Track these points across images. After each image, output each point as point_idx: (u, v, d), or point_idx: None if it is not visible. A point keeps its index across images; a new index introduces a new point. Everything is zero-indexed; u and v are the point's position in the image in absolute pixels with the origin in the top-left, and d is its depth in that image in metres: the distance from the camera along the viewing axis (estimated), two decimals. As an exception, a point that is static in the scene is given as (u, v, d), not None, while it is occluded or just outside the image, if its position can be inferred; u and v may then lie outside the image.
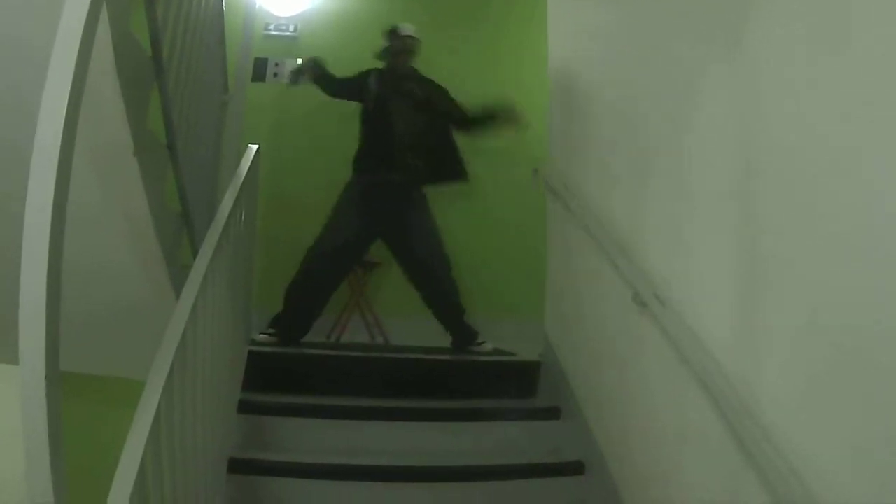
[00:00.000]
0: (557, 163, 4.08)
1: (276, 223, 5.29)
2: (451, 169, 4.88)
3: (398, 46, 4.81)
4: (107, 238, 2.43)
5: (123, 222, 2.43)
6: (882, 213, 1.67)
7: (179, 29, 2.64)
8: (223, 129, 4.15)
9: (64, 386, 1.32)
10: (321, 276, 4.49)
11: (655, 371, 2.73)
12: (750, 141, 2.23)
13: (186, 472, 2.02)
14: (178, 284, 2.58)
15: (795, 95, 2.04)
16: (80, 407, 3.56)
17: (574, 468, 3.25)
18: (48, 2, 1.51)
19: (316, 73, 4.70)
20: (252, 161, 3.33)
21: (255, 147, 3.49)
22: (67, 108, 1.32)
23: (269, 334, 4.30)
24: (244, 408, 3.19)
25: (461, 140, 4.91)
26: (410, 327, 4.91)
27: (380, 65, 4.88)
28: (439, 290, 4.67)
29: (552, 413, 3.62)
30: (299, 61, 5.86)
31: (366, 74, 4.83)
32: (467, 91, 5.75)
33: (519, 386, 4.01)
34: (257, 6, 5.67)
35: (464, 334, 4.66)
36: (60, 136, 1.30)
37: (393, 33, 4.84)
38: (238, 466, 2.88)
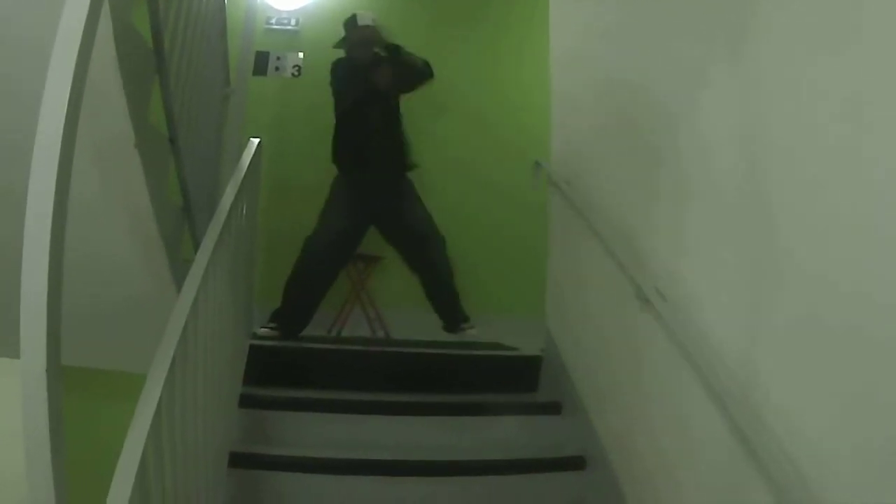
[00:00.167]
0: (559, 158, 4.07)
1: (278, 217, 5.28)
2: (401, 161, 4.89)
3: (356, 37, 4.80)
4: (108, 231, 2.43)
5: (125, 216, 2.42)
6: (884, 211, 1.67)
7: (181, 22, 2.63)
8: (225, 123, 4.14)
9: (64, 380, 1.32)
10: (317, 270, 4.53)
11: (657, 366, 2.73)
12: (753, 138, 2.23)
13: (187, 467, 2.02)
14: (179, 278, 2.57)
15: (798, 94, 2.03)
16: (80, 401, 3.56)
17: (575, 463, 3.25)
18: (50, -6, 1.50)
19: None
20: (254, 155, 3.33)
21: (256, 141, 3.49)
22: (69, 101, 1.31)
23: (270, 328, 4.32)
24: (245, 402, 3.19)
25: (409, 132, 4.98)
26: (411, 321, 4.91)
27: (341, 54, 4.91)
28: (436, 270, 4.74)
29: (553, 408, 3.62)
30: (301, 55, 5.87)
31: (335, 66, 4.87)
32: (468, 85, 5.77)
33: (520, 380, 4.02)
34: (259, 0, 5.68)
35: (455, 316, 4.73)
36: (62, 129, 1.30)
37: (351, 23, 4.83)
38: (239, 461, 2.88)
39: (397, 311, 5.39)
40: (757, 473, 2.03)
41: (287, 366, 3.86)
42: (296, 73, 5.91)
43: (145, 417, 1.63)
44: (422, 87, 4.90)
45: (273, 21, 5.99)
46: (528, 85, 5.97)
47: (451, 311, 4.74)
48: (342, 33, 4.91)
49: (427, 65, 4.83)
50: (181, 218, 2.99)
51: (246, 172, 3.07)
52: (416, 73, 4.82)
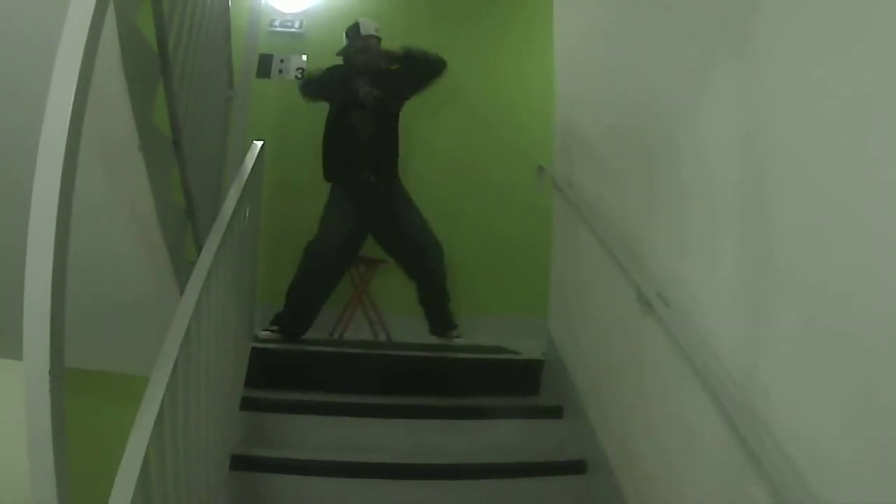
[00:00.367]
0: (563, 161, 4.07)
1: (280, 219, 5.29)
2: (388, 168, 4.91)
3: (358, 46, 4.82)
4: (111, 233, 2.43)
5: (128, 217, 2.42)
6: (886, 214, 1.67)
7: (185, 24, 2.64)
8: (228, 125, 4.15)
9: (67, 381, 1.32)
10: (319, 275, 4.56)
11: (659, 370, 2.73)
12: (756, 140, 2.23)
13: (189, 469, 2.02)
14: (182, 280, 2.58)
15: (800, 95, 2.03)
16: (83, 403, 3.56)
17: (577, 467, 3.25)
18: (55, -4, 1.50)
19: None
20: (257, 157, 3.33)
21: (260, 143, 3.49)
22: (74, 103, 1.32)
23: (272, 331, 4.33)
24: (247, 404, 3.19)
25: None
26: (413, 324, 4.92)
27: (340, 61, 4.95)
28: (432, 277, 4.77)
29: (555, 412, 3.61)
30: (304, 58, 5.87)
31: (332, 72, 4.89)
32: (470, 87, 5.77)
33: (522, 384, 4.01)
34: (263, 2, 5.69)
35: (445, 321, 4.77)
36: (66, 130, 1.30)
37: (353, 31, 4.85)
38: (241, 463, 2.88)
39: (399, 314, 5.39)
40: (758, 476, 2.03)
41: (289, 368, 3.86)
42: (299, 76, 5.90)
43: (148, 420, 1.63)
44: (437, 82, 4.92)
45: (277, 23, 5.99)
46: (530, 86, 5.97)
47: (441, 316, 4.79)
48: (345, 38, 4.93)
49: (439, 59, 4.88)
50: (184, 220, 2.99)
51: (249, 175, 3.07)
52: (429, 70, 4.87)
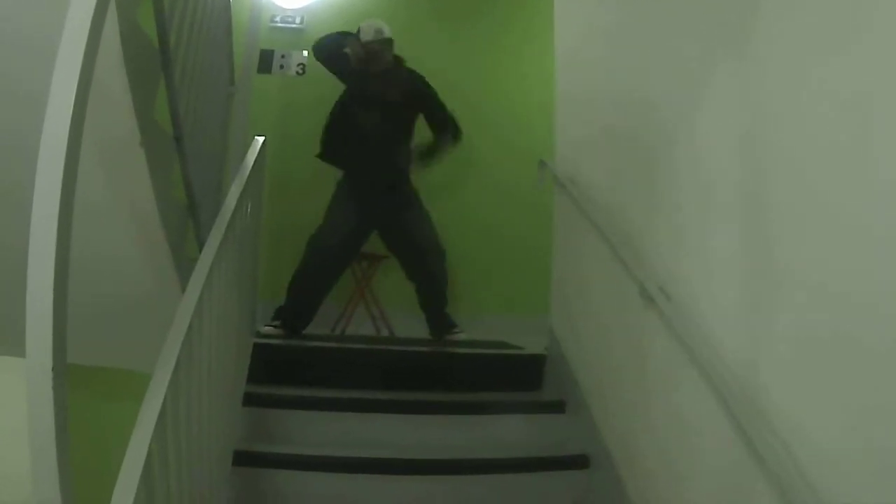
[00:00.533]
0: (564, 156, 4.07)
1: (282, 215, 5.29)
2: (394, 169, 4.90)
3: (360, 54, 4.74)
4: (113, 229, 2.43)
5: (129, 214, 2.43)
6: (885, 209, 1.67)
7: (186, 20, 2.64)
8: (229, 121, 4.15)
9: (69, 378, 1.32)
10: (321, 269, 4.58)
11: (661, 365, 2.73)
12: (756, 139, 2.23)
13: (192, 465, 2.02)
14: (183, 276, 2.58)
15: (802, 95, 2.03)
16: (85, 399, 3.57)
17: (579, 462, 3.25)
18: (56, -7, 1.50)
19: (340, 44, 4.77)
20: (258, 153, 3.33)
21: (261, 139, 3.49)
22: (75, 100, 1.32)
23: (274, 326, 4.34)
24: (249, 400, 3.19)
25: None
26: (415, 320, 4.92)
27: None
28: (433, 281, 4.78)
29: (557, 406, 3.62)
30: (305, 54, 5.87)
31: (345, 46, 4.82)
32: (470, 84, 5.76)
33: (524, 379, 4.02)
34: (264, -2, 5.68)
35: (443, 323, 4.77)
36: (68, 128, 1.30)
37: (354, 38, 4.76)
38: (243, 459, 2.89)
39: (401, 309, 5.38)
40: (760, 472, 2.03)
41: (291, 364, 3.86)
42: (300, 72, 5.91)
43: (150, 416, 1.63)
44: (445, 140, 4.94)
45: (278, 19, 5.98)
46: (531, 84, 5.97)
47: (439, 319, 4.79)
48: (347, 30, 4.91)
49: (458, 129, 4.91)
50: (186, 216, 3.00)
51: (250, 171, 3.07)
52: (446, 126, 4.90)
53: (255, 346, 3.63)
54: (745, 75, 2.31)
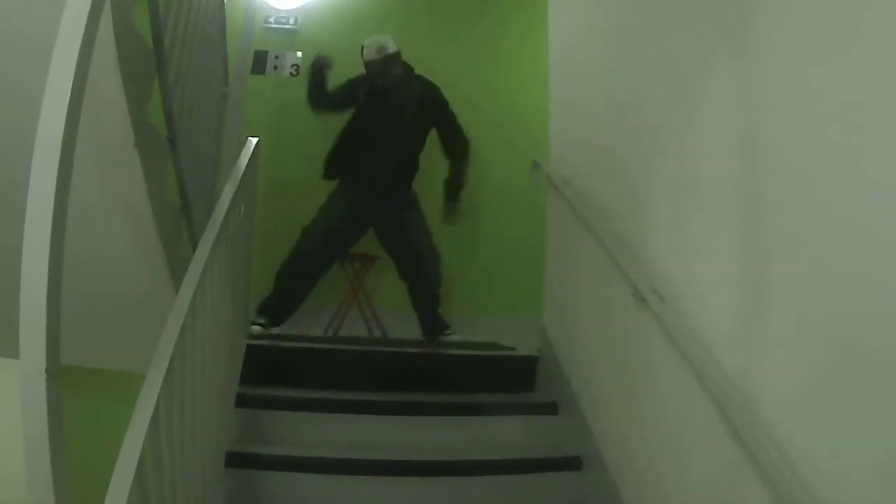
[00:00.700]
0: (559, 156, 4.08)
1: (275, 216, 5.28)
2: (404, 184, 4.93)
3: (372, 70, 4.69)
4: (106, 230, 2.43)
5: (123, 215, 2.42)
6: (882, 211, 1.67)
7: (181, 21, 2.64)
8: (223, 122, 4.14)
9: (62, 379, 1.32)
10: (308, 258, 4.61)
11: (654, 366, 2.73)
12: (752, 137, 2.23)
13: (185, 467, 2.02)
14: (177, 277, 2.58)
15: (800, 92, 2.03)
16: (78, 400, 3.57)
17: (572, 463, 3.25)
18: (50, -7, 1.50)
19: (317, 70, 4.73)
20: (252, 154, 3.32)
21: (255, 140, 3.49)
22: (70, 100, 1.32)
23: (260, 324, 4.36)
24: (242, 401, 3.19)
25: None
26: (408, 321, 4.92)
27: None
28: (427, 284, 4.78)
29: (550, 408, 3.62)
30: (299, 55, 5.87)
31: (355, 85, 4.80)
32: (468, 84, 5.76)
33: (517, 380, 4.02)
34: (258, -1, 5.67)
35: (436, 324, 4.79)
36: (62, 129, 1.30)
37: (363, 57, 4.72)
38: (236, 461, 2.88)
39: (394, 311, 5.38)
40: (754, 473, 2.03)
41: (284, 365, 3.86)
42: (294, 73, 5.91)
43: (144, 417, 1.63)
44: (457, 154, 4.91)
45: (272, 20, 5.98)
46: (526, 85, 5.97)
47: (432, 320, 4.80)
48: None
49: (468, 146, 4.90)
50: (179, 217, 2.99)
51: (244, 172, 3.07)
52: (459, 146, 4.88)
53: (248, 347, 3.63)
54: (743, 76, 2.31)
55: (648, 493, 2.71)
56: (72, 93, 1.33)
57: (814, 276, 1.91)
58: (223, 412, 2.84)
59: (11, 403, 1.47)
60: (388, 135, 4.70)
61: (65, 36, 1.36)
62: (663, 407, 2.66)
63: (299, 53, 5.91)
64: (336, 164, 4.80)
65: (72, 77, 1.33)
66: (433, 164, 4.98)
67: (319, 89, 4.76)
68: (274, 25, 5.99)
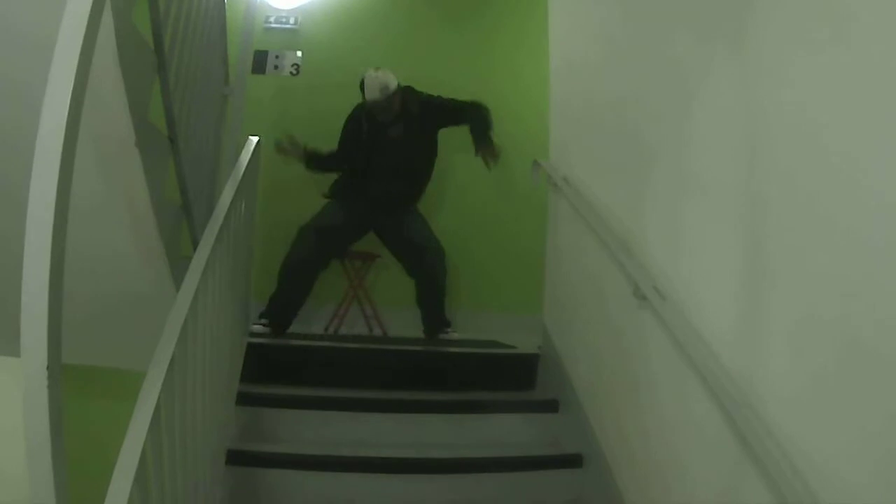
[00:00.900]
0: (558, 155, 4.08)
1: (275, 215, 5.28)
2: (418, 194, 4.97)
3: (374, 108, 4.70)
4: (108, 229, 2.43)
5: (124, 214, 2.42)
6: (883, 207, 1.68)
7: (181, 21, 2.64)
8: (223, 122, 4.15)
9: (63, 377, 1.32)
10: (303, 256, 4.62)
11: (655, 364, 2.73)
12: (752, 136, 2.23)
13: (186, 465, 2.03)
14: (178, 276, 2.58)
15: (797, 89, 2.04)
16: (79, 398, 3.57)
17: (572, 461, 3.26)
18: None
19: (307, 160, 4.87)
20: (252, 153, 3.33)
21: (255, 139, 3.49)
22: (71, 100, 1.32)
23: (263, 324, 4.36)
24: (243, 399, 3.19)
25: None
26: (408, 319, 4.93)
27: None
28: (433, 280, 4.79)
29: (550, 406, 3.63)
30: (299, 54, 5.87)
31: (355, 123, 4.84)
32: (466, 82, 5.75)
33: (517, 378, 4.02)
34: (258, -1, 5.67)
35: (438, 321, 4.79)
36: (64, 128, 1.30)
37: (363, 93, 4.72)
38: (237, 458, 2.89)
39: (394, 309, 5.39)
40: (755, 470, 2.04)
41: (285, 363, 3.87)
42: (294, 72, 5.91)
43: (144, 415, 1.63)
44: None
45: (272, 20, 5.98)
46: (525, 83, 5.96)
47: (436, 314, 4.81)
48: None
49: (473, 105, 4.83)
50: (180, 216, 3.00)
51: (244, 171, 3.07)
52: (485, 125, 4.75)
53: (249, 345, 3.64)
54: (742, 75, 2.32)
55: (649, 491, 2.72)
56: (73, 93, 1.33)
57: (814, 274, 1.91)
58: (224, 410, 2.85)
59: (12, 402, 1.47)
60: (393, 155, 4.75)
61: (66, 36, 1.36)
62: (664, 405, 2.66)
63: (299, 53, 5.91)
64: (343, 187, 4.85)
65: (73, 77, 1.34)
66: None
67: (325, 167, 4.92)
68: (274, 25, 5.99)
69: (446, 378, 3.95)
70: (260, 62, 5.79)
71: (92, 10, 1.40)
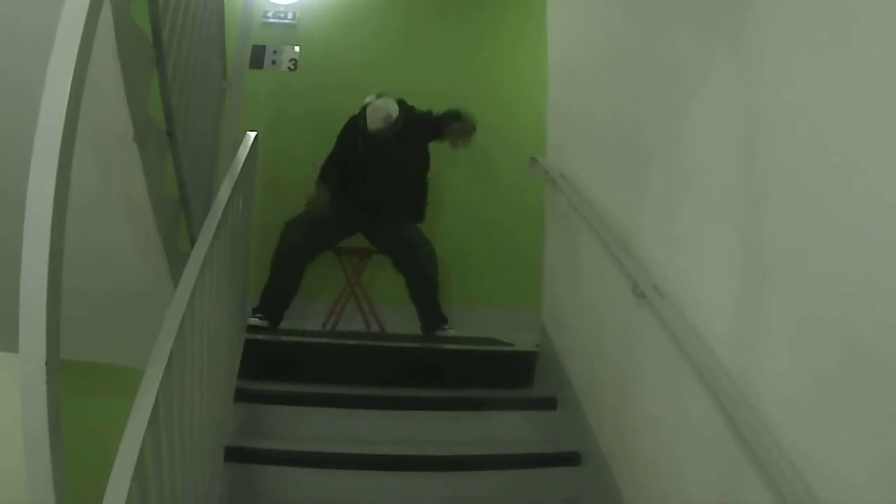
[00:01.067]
0: (556, 152, 4.07)
1: (272, 211, 5.27)
2: (412, 210, 4.94)
3: (376, 134, 4.72)
4: (105, 224, 2.42)
5: (122, 209, 2.42)
6: (882, 207, 1.67)
7: (180, 15, 2.63)
8: (221, 117, 4.14)
9: (62, 373, 1.32)
10: (289, 248, 4.65)
11: (653, 362, 2.73)
12: (750, 134, 2.23)
13: (185, 461, 2.02)
14: (176, 271, 2.57)
15: (797, 89, 2.03)
16: (77, 395, 3.55)
17: (570, 459, 3.26)
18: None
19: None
20: (250, 148, 3.32)
21: (253, 134, 3.48)
22: (70, 95, 1.31)
23: (259, 318, 4.36)
24: (240, 396, 3.18)
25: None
26: (406, 316, 4.92)
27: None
28: (421, 267, 4.78)
29: (549, 403, 3.62)
30: (297, 49, 5.86)
31: (351, 133, 4.85)
32: (464, 80, 5.75)
33: (515, 376, 4.02)
34: (256, -6, 5.66)
35: (434, 316, 4.78)
36: (62, 123, 1.29)
37: (367, 122, 4.74)
38: (235, 455, 2.89)
39: (392, 305, 5.38)
40: (753, 470, 2.04)
41: (282, 360, 3.86)
42: (292, 67, 5.90)
43: (143, 412, 1.63)
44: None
45: (270, 15, 5.97)
46: (523, 80, 5.95)
47: (431, 310, 4.80)
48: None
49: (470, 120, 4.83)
50: (178, 211, 2.99)
51: (242, 166, 3.06)
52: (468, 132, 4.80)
53: (247, 341, 3.63)
54: (742, 75, 2.32)
55: (647, 489, 2.72)
56: (72, 87, 1.32)
57: (812, 273, 1.91)
58: (222, 407, 2.84)
59: (11, 398, 1.47)
60: (386, 165, 4.78)
61: (65, 30, 1.36)
62: (662, 403, 2.66)
63: (297, 48, 5.90)
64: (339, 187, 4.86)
65: (72, 71, 1.33)
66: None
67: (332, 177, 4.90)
68: (272, 20, 5.98)
69: (444, 375, 3.94)
70: (258, 57, 5.78)
71: (91, 4, 1.39)
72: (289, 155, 5.61)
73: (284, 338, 4.24)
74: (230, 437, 2.98)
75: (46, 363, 1.26)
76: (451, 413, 3.50)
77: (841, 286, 1.80)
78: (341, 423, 3.31)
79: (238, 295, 3.40)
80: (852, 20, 1.82)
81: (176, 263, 2.68)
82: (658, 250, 2.79)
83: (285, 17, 6.00)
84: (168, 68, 2.50)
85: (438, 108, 4.80)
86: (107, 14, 1.72)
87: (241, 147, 3.31)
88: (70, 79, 1.32)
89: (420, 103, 4.92)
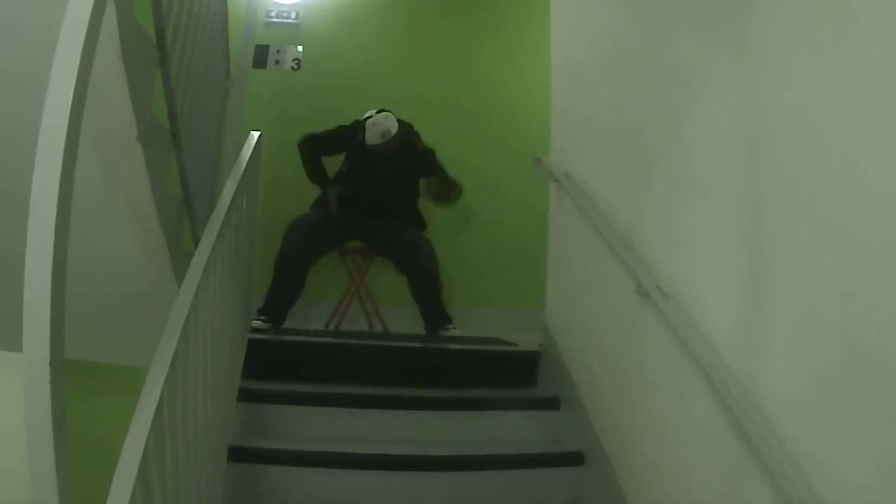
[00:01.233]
0: (560, 152, 4.07)
1: (276, 210, 5.27)
2: (414, 216, 5.01)
3: (375, 150, 4.78)
4: (109, 224, 2.43)
5: (126, 209, 2.42)
6: (884, 208, 1.67)
7: (183, 15, 2.63)
8: (225, 116, 4.14)
9: (65, 372, 1.32)
10: (292, 249, 4.64)
11: (657, 362, 2.73)
12: (752, 137, 2.23)
13: (188, 461, 2.02)
14: (179, 271, 2.57)
15: (799, 91, 2.03)
16: (80, 394, 3.56)
17: (574, 459, 3.25)
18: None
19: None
20: (254, 147, 3.32)
21: (257, 134, 3.48)
22: (74, 95, 1.31)
23: (262, 320, 4.36)
24: (244, 396, 3.19)
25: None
26: (409, 316, 4.92)
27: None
28: (423, 267, 4.79)
29: (552, 403, 3.62)
30: (300, 49, 5.87)
31: (352, 133, 4.89)
32: (467, 80, 5.75)
33: (519, 376, 4.02)
34: (259, -7, 5.66)
35: (438, 316, 4.78)
36: (67, 121, 1.30)
37: (365, 136, 4.79)
38: (238, 455, 2.89)
39: (395, 305, 5.38)
40: (757, 471, 2.04)
41: (285, 360, 3.86)
42: (295, 67, 5.91)
43: (147, 411, 1.63)
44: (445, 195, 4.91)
45: (273, 14, 5.97)
46: (526, 80, 5.95)
47: (434, 309, 4.80)
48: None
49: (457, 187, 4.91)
50: (182, 211, 2.99)
51: (246, 166, 3.06)
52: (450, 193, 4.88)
53: (250, 341, 3.63)
54: (744, 77, 2.31)
55: (651, 489, 2.72)
56: (75, 87, 1.32)
57: (816, 273, 1.91)
58: (225, 406, 2.84)
59: (13, 399, 1.47)
60: (382, 168, 4.82)
61: (69, 30, 1.36)
62: (666, 403, 2.66)
63: (300, 48, 5.90)
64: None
65: (75, 72, 1.33)
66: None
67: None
68: (275, 20, 5.98)
69: (447, 375, 3.94)
70: (261, 57, 5.78)
71: (95, 4, 1.39)
72: (292, 154, 5.61)
73: (288, 337, 4.24)
74: (234, 436, 2.99)
75: (50, 363, 1.26)
76: (454, 413, 3.50)
77: (843, 287, 1.80)
78: (344, 423, 3.31)
79: (242, 294, 3.40)
80: (854, 22, 1.82)
81: (180, 263, 2.68)
82: (661, 251, 2.78)
83: (288, 17, 6.00)
84: (172, 68, 2.51)
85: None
86: (110, 15, 1.72)
87: (244, 147, 3.31)
88: (74, 80, 1.33)
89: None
